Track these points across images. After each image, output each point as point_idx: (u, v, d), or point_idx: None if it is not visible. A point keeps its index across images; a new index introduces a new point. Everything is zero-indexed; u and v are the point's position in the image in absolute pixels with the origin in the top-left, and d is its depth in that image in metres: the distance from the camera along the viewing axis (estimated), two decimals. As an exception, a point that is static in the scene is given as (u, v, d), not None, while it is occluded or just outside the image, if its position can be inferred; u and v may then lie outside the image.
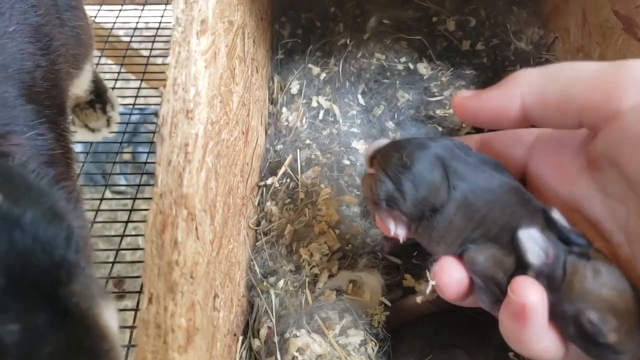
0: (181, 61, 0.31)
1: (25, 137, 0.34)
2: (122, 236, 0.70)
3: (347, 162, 0.54)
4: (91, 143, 0.84)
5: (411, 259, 0.49)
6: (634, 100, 0.21)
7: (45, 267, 0.24)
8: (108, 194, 0.85)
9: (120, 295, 0.77)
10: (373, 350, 0.41)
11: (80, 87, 0.73)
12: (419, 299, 0.45)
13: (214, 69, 0.34)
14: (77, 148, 0.84)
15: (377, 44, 0.61)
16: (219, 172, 0.35)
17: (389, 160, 0.29)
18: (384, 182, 0.29)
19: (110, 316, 0.26)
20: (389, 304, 0.44)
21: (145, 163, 0.88)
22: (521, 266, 0.25)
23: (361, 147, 0.56)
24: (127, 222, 0.70)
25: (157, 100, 0.90)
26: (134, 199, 0.74)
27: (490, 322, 0.46)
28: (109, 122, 0.82)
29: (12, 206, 0.25)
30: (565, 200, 0.26)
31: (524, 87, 0.25)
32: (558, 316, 0.24)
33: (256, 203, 0.51)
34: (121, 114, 0.84)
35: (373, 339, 0.42)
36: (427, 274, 0.28)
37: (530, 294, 0.23)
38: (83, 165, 0.81)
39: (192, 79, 0.31)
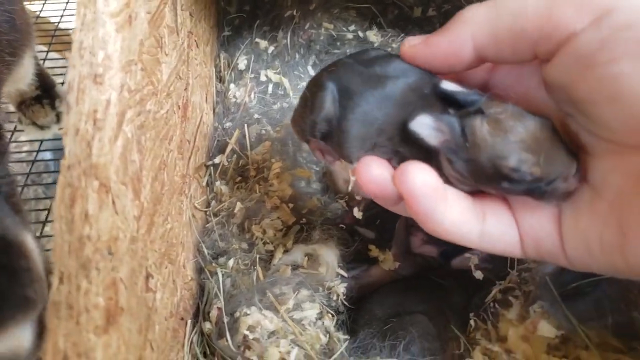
0: (87, 23, 0.28)
1: None
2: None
3: (300, 136, 0.53)
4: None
5: (376, 230, 0.48)
6: (585, 22, 0.21)
7: None
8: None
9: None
10: (331, 322, 0.40)
11: (22, 80, 0.70)
12: (385, 266, 0.45)
13: (129, 33, 0.32)
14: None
15: (324, 13, 0.59)
16: (145, 145, 0.33)
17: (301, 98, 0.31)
18: (298, 119, 0.31)
19: (31, 242, 0.26)
20: (345, 275, 0.42)
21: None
22: (432, 156, 0.24)
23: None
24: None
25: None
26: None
27: (451, 286, 0.46)
28: (58, 118, 0.78)
29: None
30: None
31: (474, 26, 0.24)
32: (486, 181, 0.24)
33: (204, 184, 0.48)
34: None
35: (330, 312, 0.40)
36: (349, 170, 0.27)
37: (402, 181, 0.24)
38: (37, 154, 0.77)
39: (101, 41, 0.28)
